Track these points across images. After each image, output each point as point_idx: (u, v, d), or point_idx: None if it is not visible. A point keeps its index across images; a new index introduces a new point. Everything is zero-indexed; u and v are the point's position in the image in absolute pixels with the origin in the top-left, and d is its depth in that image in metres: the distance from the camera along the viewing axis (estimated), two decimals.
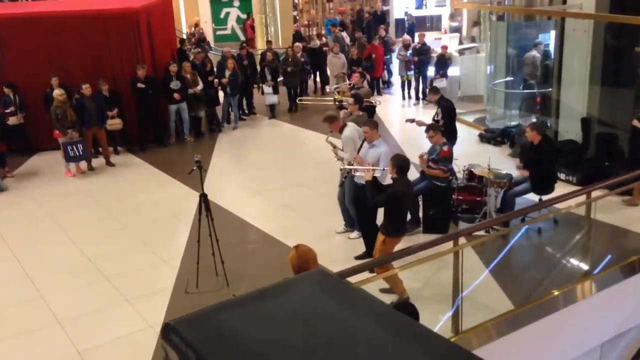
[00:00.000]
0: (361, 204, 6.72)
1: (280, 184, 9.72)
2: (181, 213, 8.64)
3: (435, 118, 8.84)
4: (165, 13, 13.61)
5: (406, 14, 22.78)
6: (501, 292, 6.29)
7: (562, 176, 9.05)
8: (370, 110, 9.31)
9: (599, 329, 6.45)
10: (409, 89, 14.64)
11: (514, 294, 6.20)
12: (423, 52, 13.99)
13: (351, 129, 7.33)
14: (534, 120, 11.36)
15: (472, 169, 7.93)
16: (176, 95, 11.40)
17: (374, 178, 6.06)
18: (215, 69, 12.87)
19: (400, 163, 5.89)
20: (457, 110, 13.09)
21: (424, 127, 7.88)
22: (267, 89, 13.44)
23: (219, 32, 24.56)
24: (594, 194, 6.35)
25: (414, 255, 5.49)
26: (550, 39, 11.59)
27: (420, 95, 14.40)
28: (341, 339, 2.44)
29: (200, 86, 11.93)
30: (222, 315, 2.62)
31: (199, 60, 12.64)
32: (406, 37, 15.08)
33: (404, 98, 14.70)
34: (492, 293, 6.27)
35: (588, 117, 9.76)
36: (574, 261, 6.49)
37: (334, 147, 7.46)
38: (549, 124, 11.29)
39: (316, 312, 2.65)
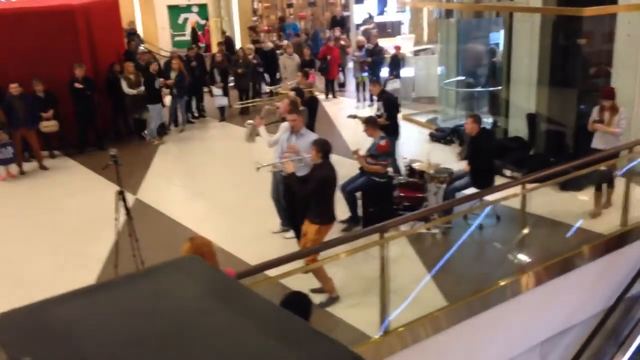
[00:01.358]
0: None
1: (220, 185, 9.35)
2: (111, 216, 8.19)
3: (377, 112, 8.57)
4: (110, 13, 13.15)
5: (370, 16, 22.61)
6: (436, 289, 6.00)
7: (508, 172, 8.87)
8: (314, 104, 8.95)
9: (537, 326, 6.20)
10: (363, 90, 14.41)
11: (448, 291, 5.92)
12: (376, 52, 13.80)
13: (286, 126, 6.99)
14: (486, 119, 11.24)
15: (413, 165, 7.66)
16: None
17: (292, 173, 5.76)
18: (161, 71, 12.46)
19: (325, 147, 5.66)
20: (411, 111, 13.04)
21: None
22: (217, 90, 13.07)
23: (177, 38, 24.16)
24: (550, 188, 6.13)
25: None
26: (500, 37, 11.45)
27: (375, 97, 14.17)
28: (185, 329, 2.10)
29: (144, 87, 11.51)
30: (52, 310, 2.25)
31: (144, 61, 12.22)
32: (360, 38, 14.87)
33: (358, 100, 14.46)
34: (427, 289, 5.98)
35: (533, 113, 9.61)
36: (512, 257, 6.24)
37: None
38: (498, 123, 11.16)
39: (165, 303, 2.31)
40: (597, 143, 7.12)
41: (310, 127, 7.91)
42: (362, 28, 19.95)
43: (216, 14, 18.12)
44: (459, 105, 11.95)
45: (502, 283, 5.91)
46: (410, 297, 5.71)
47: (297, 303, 3.71)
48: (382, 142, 7.14)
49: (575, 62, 10.07)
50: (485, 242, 7.23)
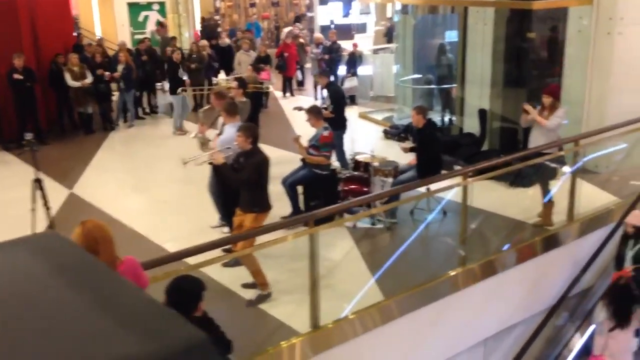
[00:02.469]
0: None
1: (162, 181, 8.96)
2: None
3: (324, 105, 8.30)
4: (59, 5, 12.67)
5: (332, 22, 22.42)
6: (374, 284, 5.73)
7: (459, 169, 8.68)
8: (258, 96, 8.63)
9: (480, 323, 5.98)
10: (322, 89, 14.15)
11: (387, 286, 5.65)
12: (334, 50, 13.57)
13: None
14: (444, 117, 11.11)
15: (357, 157, 7.40)
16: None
17: (224, 163, 5.44)
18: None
19: (253, 131, 5.39)
20: (369, 109, 12.84)
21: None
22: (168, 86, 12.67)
23: (137, 37, 23.59)
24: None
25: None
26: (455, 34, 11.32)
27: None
28: (15, 303, 1.84)
29: (89, 79, 11.06)
30: None
31: (90, 53, 11.76)
32: (318, 35, 14.63)
33: (316, 98, 14.20)
34: (365, 284, 5.72)
35: (484, 108, 9.47)
36: (454, 252, 5.99)
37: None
38: (454, 121, 11.01)
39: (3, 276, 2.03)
40: (532, 142, 6.89)
41: (252, 119, 7.62)
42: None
43: (174, 10, 17.68)
44: (415, 102, 11.75)
45: (442, 278, 5.67)
46: (358, 293, 5.44)
47: (184, 286, 3.44)
48: (325, 133, 6.87)
49: (527, 60, 9.99)
50: (430, 237, 7.00)
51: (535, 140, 6.86)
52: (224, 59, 14.22)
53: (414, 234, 6.83)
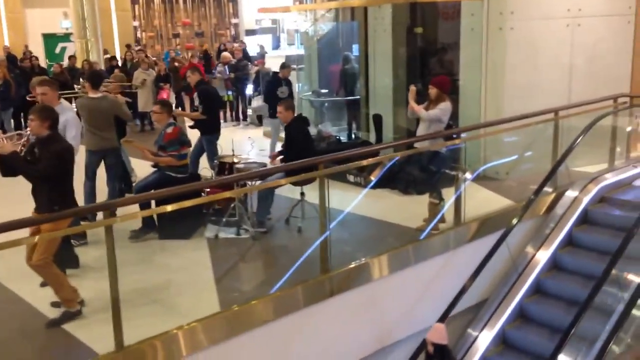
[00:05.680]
0: None
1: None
2: None
3: (194, 105, 7.44)
4: None
5: (262, 47, 21.78)
6: (215, 297, 4.78)
7: (352, 178, 7.92)
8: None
9: (349, 342, 5.06)
10: (231, 110, 13.37)
11: (232, 298, 4.72)
12: (240, 68, 12.83)
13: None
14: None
15: (221, 159, 6.52)
16: None
17: (14, 152, 4.40)
18: None
19: (51, 114, 4.43)
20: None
21: None
22: None
23: (54, 69, 22.44)
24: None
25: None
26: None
27: (241, 116, 13.16)
28: None
29: None
30: None
31: None
32: (225, 53, 13.88)
33: (225, 120, 13.37)
34: (205, 297, 4.77)
35: (379, 114, 8.84)
36: (319, 260, 5.10)
37: None
38: (360, 135, 10.33)
39: None
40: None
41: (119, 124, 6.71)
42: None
43: (80, 35, 16.71)
44: (318, 116, 11.05)
45: (299, 288, 4.76)
46: (192, 308, 4.46)
47: None
48: (169, 130, 5.99)
49: (430, 63, 9.50)
50: (296, 246, 6.12)
51: (420, 133, 6.18)
52: None
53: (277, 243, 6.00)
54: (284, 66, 9.50)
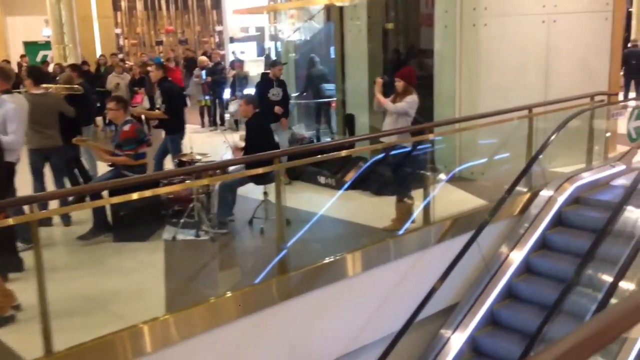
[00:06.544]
0: None
1: None
2: None
3: (157, 105, 7.17)
4: None
5: (234, 54, 21.55)
6: (161, 299, 4.49)
7: (323, 180, 7.67)
8: (77, 100, 7.24)
9: (312, 348, 4.77)
10: (208, 115, 13.10)
11: (178, 301, 4.42)
12: (217, 71, 12.57)
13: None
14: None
15: (180, 158, 6.25)
16: None
17: None
18: None
19: None
20: None
21: None
22: None
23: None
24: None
25: None
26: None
27: (218, 121, 12.90)
28: None
29: None
30: None
31: None
32: (202, 57, 13.64)
33: (202, 126, 13.12)
34: (151, 301, 4.47)
35: (351, 113, 8.60)
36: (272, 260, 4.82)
37: None
38: (335, 136, 10.08)
39: None
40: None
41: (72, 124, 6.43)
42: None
43: (58, 41, 16.43)
44: (295, 121, 10.80)
45: (250, 289, 4.48)
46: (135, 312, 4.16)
47: None
48: (126, 127, 5.72)
49: (406, 64, 9.27)
50: (255, 247, 5.84)
51: (386, 128, 5.95)
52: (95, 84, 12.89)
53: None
54: (274, 64, 8.34)
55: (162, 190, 5.10)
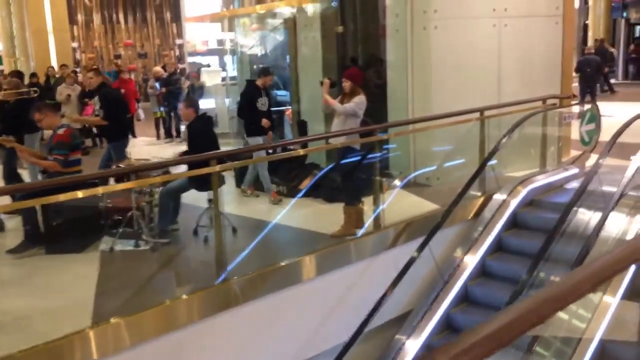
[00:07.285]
0: None
1: None
2: None
3: (96, 112, 6.86)
4: None
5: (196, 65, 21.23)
6: (88, 313, 4.17)
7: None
8: (22, 105, 6.91)
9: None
10: (164, 127, 12.77)
11: (107, 314, 4.11)
12: (172, 82, 12.27)
13: None
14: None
15: (120, 164, 5.94)
16: None
17: None
18: None
19: None
20: None
21: None
22: None
23: None
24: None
25: None
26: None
27: (174, 133, 12.58)
28: None
29: None
30: None
31: None
32: (157, 68, 13.33)
33: (158, 138, 12.77)
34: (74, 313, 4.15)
35: (304, 120, 8.42)
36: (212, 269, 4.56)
37: None
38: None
39: None
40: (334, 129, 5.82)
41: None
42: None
43: (9, 54, 15.96)
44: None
45: (190, 297, 4.21)
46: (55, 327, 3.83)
47: None
48: (60, 131, 5.41)
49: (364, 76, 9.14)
50: (198, 255, 5.57)
51: (335, 129, 5.78)
52: (46, 94, 12.47)
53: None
54: (266, 73, 7.67)
55: (93, 192, 4.76)
